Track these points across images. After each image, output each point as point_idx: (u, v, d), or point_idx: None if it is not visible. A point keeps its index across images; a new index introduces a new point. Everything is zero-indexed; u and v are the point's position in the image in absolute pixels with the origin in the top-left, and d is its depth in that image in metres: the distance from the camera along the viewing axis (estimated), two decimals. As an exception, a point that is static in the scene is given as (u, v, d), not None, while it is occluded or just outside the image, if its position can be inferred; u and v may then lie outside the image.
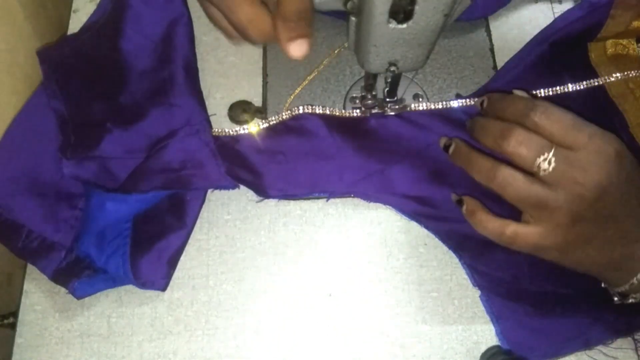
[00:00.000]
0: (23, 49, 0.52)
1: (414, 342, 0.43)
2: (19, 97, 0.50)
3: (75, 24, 0.55)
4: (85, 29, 0.53)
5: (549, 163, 0.36)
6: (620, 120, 0.49)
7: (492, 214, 0.40)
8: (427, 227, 0.46)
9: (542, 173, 0.36)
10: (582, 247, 0.38)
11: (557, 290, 0.43)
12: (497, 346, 0.42)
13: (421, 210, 0.47)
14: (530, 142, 0.36)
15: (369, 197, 0.47)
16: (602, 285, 0.42)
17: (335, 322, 0.44)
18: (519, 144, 0.36)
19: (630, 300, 0.40)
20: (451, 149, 0.42)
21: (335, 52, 0.53)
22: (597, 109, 0.48)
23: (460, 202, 0.42)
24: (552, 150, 0.36)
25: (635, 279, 0.38)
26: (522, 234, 0.38)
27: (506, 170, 0.37)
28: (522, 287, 0.44)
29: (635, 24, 0.49)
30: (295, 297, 0.45)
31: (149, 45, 0.52)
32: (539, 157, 0.36)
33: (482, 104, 0.42)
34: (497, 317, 0.43)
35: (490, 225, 0.39)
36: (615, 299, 0.42)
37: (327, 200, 0.48)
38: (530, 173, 0.37)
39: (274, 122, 0.49)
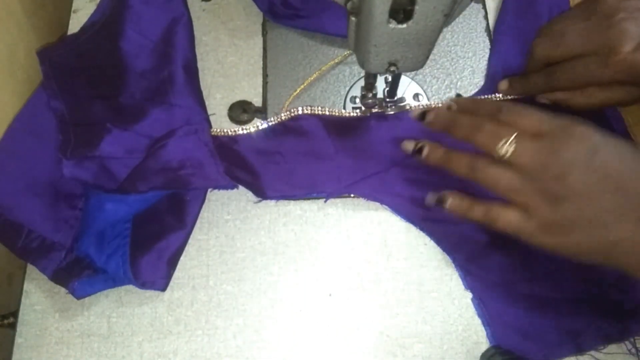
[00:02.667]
0: (23, 49, 0.52)
1: (414, 342, 0.43)
2: (19, 97, 0.50)
3: (75, 24, 0.56)
4: (85, 29, 0.53)
5: (510, 145, 0.37)
6: (618, 119, 0.49)
7: (477, 199, 0.40)
8: (422, 229, 0.46)
9: (506, 156, 0.37)
10: (569, 228, 0.37)
11: (551, 295, 0.43)
12: (497, 346, 0.42)
13: (417, 211, 0.47)
14: (496, 130, 0.38)
15: (366, 195, 0.47)
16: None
17: (335, 322, 0.44)
18: (486, 133, 0.39)
19: None
20: (425, 151, 0.42)
21: (336, 60, 0.53)
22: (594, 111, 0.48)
23: (441, 201, 0.41)
24: (514, 135, 0.37)
25: None
26: (504, 215, 0.38)
27: (481, 160, 0.39)
28: (515, 291, 0.44)
29: None
30: (295, 297, 0.45)
31: (149, 45, 0.52)
32: (501, 141, 0.38)
33: (449, 108, 0.43)
34: (488, 320, 0.43)
35: (476, 210, 0.40)
36: None
37: (325, 202, 0.48)
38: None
39: (273, 122, 0.49)
